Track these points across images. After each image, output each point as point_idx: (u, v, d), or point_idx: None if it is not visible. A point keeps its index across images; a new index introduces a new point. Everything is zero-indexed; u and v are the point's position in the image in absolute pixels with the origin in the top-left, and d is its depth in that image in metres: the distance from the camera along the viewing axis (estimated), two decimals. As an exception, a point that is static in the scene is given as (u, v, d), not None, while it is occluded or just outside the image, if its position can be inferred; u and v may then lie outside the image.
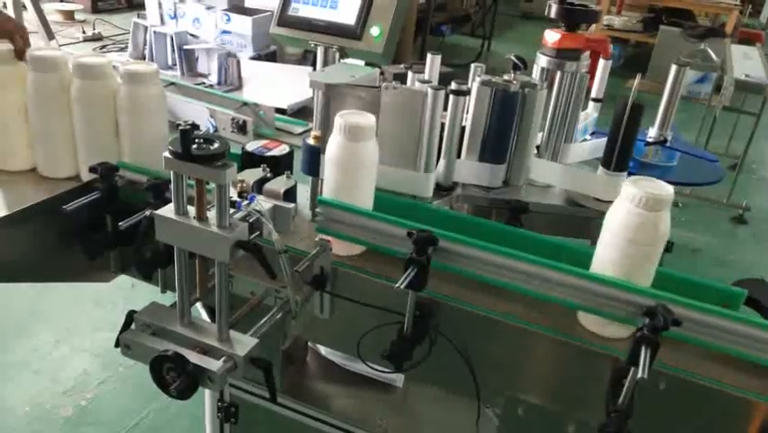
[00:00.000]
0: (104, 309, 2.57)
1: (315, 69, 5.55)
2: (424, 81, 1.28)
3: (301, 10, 1.60)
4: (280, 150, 1.44)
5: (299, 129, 4.91)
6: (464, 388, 1.25)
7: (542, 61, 1.39)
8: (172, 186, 1.02)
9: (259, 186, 1.22)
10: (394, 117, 1.25)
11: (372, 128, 1.13)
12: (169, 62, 5.74)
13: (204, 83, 5.39)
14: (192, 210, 1.04)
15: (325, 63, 1.62)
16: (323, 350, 1.57)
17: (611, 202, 1.07)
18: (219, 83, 5.40)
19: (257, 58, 5.41)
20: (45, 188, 1.35)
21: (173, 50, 5.67)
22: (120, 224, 1.19)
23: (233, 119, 4.50)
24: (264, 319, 1.20)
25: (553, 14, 1.34)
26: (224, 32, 5.52)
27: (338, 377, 1.52)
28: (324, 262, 1.22)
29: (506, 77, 1.35)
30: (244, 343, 1.11)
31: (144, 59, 5.79)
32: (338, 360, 1.55)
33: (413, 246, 1.07)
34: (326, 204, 1.21)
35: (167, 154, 0.98)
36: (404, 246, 1.14)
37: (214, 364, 1.05)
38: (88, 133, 1.34)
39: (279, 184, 1.18)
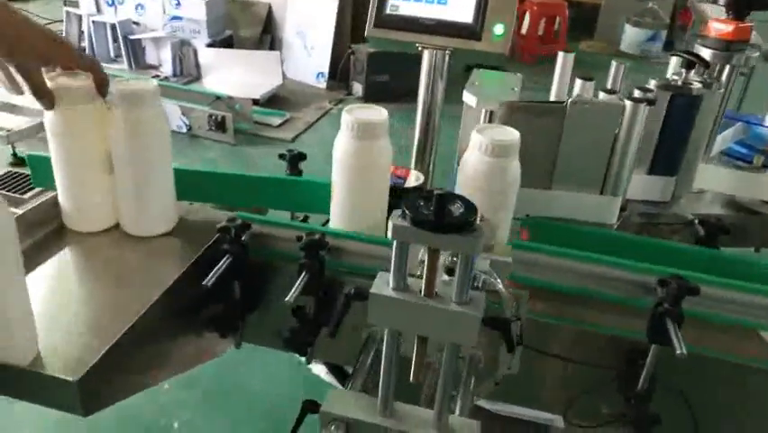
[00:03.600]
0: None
1: (278, 54, 5.16)
2: (608, 91, 1.10)
3: (402, 8, 1.37)
4: (416, 178, 1.23)
5: (278, 120, 4.63)
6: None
7: (705, 54, 1.24)
8: (394, 258, 0.81)
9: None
10: (580, 135, 1.07)
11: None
12: (112, 54, 5.24)
13: (157, 76, 4.97)
14: (413, 284, 0.84)
15: (433, 67, 1.40)
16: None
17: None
18: (174, 75, 4.99)
19: (212, 44, 5.01)
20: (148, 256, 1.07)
21: (114, 41, 5.18)
22: (287, 299, 0.96)
23: (210, 116, 4.16)
24: (462, 389, 1.02)
25: (720, 2, 1.19)
26: (174, 17, 5.06)
27: (489, 422, 1.35)
28: (519, 313, 1.05)
29: (673, 76, 1.19)
30: (467, 428, 0.92)
31: (84, 51, 5.25)
32: (484, 404, 1.38)
33: (665, 295, 0.91)
34: (523, 247, 1.03)
35: (401, 222, 0.77)
36: (631, 292, 0.98)
37: (450, 465, 0.87)
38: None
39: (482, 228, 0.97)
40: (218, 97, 4.03)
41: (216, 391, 2.11)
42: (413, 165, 1.50)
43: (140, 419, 2.00)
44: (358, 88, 4.84)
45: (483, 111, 1.12)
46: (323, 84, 4.98)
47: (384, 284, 0.84)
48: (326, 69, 4.94)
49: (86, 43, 5.20)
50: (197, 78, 4.89)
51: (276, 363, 2.14)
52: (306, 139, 4.12)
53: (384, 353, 0.89)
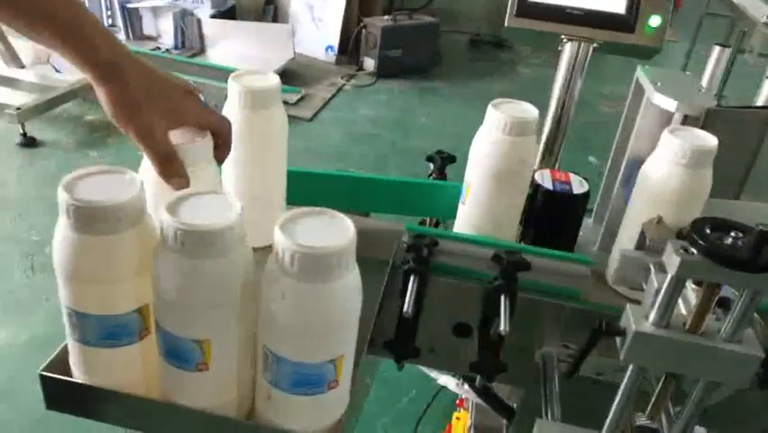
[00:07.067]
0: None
1: (290, 27, 4.96)
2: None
3: (547, -5, 1.26)
4: (580, 183, 1.14)
5: (295, 97, 4.46)
6: None
7: None
8: (665, 292, 0.73)
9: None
10: (785, 146, 1.00)
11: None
12: (105, 23, 4.95)
13: (158, 48, 4.72)
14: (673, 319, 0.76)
15: (575, 61, 1.30)
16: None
17: None
18: (176, 47, 4.75)
19: (214, 15, 4.77)
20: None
21: (108, 9, 4.90)
22: (501, 328, 0.87)
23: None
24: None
25: None
26: (175, -14, 4.78)
27: None
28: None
29: None
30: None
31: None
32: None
33: None
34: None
35: (690, 257, 0.69)
36: None
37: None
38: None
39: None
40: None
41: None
42: (538, 162, 1.41)
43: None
44: (369, 63, 4.68)
45: (677, 115, 1.03)
46: (332, 58, 4.81)
47: (641, 319, 0.76)
48: (336, 43, 4.76)
49: (77, 11, 4.89)
50: (201, 50, 4.67)
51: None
52: (325, 117, 3.97)
53: (622, 388, 0.81)
